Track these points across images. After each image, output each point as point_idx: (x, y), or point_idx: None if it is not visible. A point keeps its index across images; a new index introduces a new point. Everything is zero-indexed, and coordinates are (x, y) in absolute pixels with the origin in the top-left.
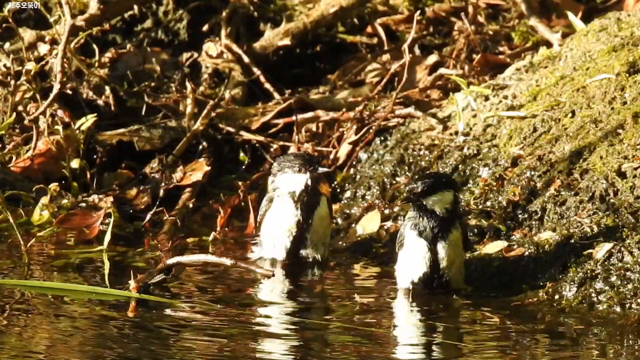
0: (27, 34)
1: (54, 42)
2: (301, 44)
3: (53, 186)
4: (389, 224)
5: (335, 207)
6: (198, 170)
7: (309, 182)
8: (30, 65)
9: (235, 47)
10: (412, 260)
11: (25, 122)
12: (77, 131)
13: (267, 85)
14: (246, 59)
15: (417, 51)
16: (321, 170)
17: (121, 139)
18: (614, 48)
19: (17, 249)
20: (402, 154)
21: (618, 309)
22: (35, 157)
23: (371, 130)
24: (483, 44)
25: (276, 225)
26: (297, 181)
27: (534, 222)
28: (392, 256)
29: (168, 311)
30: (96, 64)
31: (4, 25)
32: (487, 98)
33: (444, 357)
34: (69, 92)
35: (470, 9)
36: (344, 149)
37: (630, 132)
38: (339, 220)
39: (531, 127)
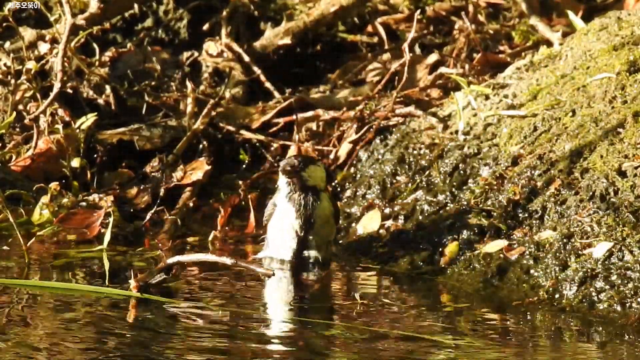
0: (28, 33)
1: (54, 41)
2: (301, 43)
3: (53, 185)
4: (389, 223)
5: None
6: (198, 170)
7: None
8: (31, 65)
9: (235, 46)
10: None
11: (26, 121)
12: (78, 130)
13: (268, 85)
14: (246, 58)
15: (417, 50)
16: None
17: (121, 138)
18: (615, 47)
19: (17, 248)
20: (402, 153)
21: (618, 308)
22: (35, 157)
23: (371, 130)
24: (483, 43)
25: (280, 228)
26: (283, 183)
27: (534, 221)
28: (392, 255)
29: (168, 311)
30: (96, 63)
31: (4, 24)
32: (487, 97)
33: (443, 356)
34: (69, 91)
35: (471, 8)
36: (344, 148)
37: (630, 131)
38: (339, 220)
39: (531, 126)
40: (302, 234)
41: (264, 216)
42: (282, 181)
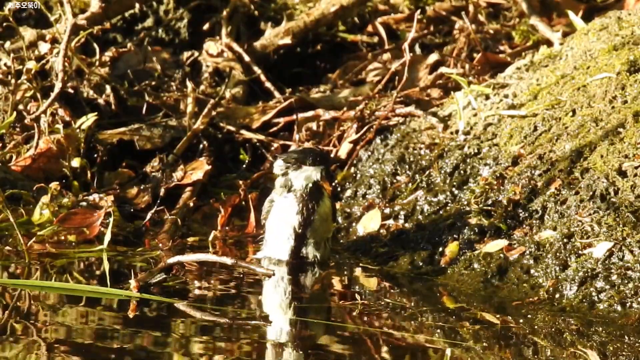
0: (28, 33)
1: (54, 41)
2: (302, 43)
3: (54, 185)
4: (389, 222)
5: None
6: (199, 169)
7: (318, 178)
8: (31, 64)
9: (235, 46)
10: None
11: (26, 121)
12: (78, 130)
13: (268, 84)
14: (247, 58)
15: (417, 50)
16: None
17: (122, 137)
18: (615, 47)
19: (17, 248)
20: (402, 153)
21: (619, 308)
22: (36, 156)
23: (372, 129)
24: (484, 42)
25: (279, 224)
26: (310, 175)
27: (534, 221)
28: (392, 255)
29: (168, 311)
30: (97, 63)
31: (4, 24)
32: (487, 97)
33: (443, 357)
34: (69, 91)
35: (471, 8)
36: (344, 148)
37: (630, 131)
38: (340, 219)
39: (532, 126)
40: (300, 230)
41: (262, 214)
42: (311, 174)
